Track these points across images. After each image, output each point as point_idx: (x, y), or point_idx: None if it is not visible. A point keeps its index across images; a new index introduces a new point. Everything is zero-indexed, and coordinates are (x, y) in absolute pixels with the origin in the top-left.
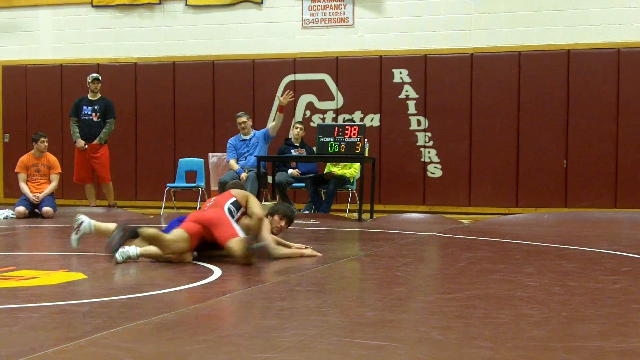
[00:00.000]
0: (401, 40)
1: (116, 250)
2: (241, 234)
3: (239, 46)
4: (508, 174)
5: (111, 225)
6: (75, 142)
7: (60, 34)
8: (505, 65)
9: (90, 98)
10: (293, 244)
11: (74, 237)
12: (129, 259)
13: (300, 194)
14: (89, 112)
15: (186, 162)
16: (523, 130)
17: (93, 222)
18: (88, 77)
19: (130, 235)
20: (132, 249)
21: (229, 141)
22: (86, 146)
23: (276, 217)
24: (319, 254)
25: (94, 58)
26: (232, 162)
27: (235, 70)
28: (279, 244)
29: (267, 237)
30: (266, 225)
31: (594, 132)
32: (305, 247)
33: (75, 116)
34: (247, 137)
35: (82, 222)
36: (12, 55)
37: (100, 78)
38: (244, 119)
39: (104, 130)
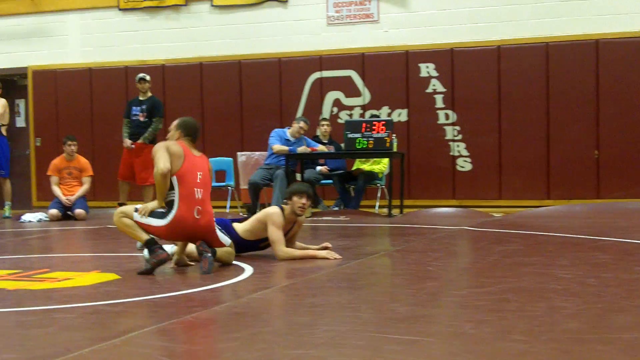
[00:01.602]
0: (427, 34)
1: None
2: (227, 242)
3: (265, 45)
4: (539, 166)
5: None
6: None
7: (88, 38)
8: (533, 56)
9: (140, 98)
10: (312, 246)
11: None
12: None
13: (329, 191)
14: (137, 112)
15: (215, 162)
16: (553, 122)
17: None
18: (136, 78)
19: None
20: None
21: (276, 130)
22: (133, 145)
23: (295, 198)
24: (337, 257)
25: (122, 61)
26: (277, 146)
27: (262, 69)
28: (298, 248)
29: (285, 251)
30: (278, 238)
31: (625, 121)
32: (325, 248)
33: (127, 117)
34: (293, 140)
35: None
36: (42, 60)
37: (146, 78)
38: (306, 128)
39: (149, 129)
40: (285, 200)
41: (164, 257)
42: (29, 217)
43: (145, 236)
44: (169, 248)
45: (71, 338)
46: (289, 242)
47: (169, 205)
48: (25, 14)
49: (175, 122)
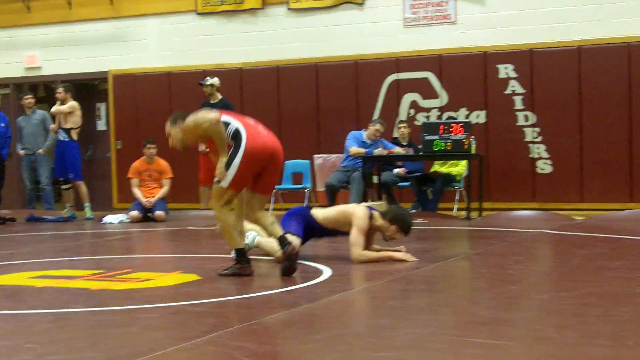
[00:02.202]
0: (505, 35)
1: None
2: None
3: (342, 48)
4: (621, 167)
5: (274, 245)
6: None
7: (166, 42)
8: (615, 56)
9: (211, 102)
10: (388, 248)
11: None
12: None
13: (406, 193)
14: None
15: (292, 164)
16: (636, 122)
17: (258, 237)
18: None
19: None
20: (250, 237)
21: (352, 133)
22: (207, 149)
23: (394, 227)
24: (413, 259)
25: (200, 65)
26: (354, 148)
27: (338, 72)
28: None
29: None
30: (358, 242)
31: None
32: (400, 250)
33: None
34: (370, 142)
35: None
36: (121, 65)
37: (206, 82)
38: (382, 130)
39: None
40: (385, 218)
41: (248, 273)
42: (110, 218)
43: (240, 245)
44: (250, 237)
45: (154, 337)
46: (367, 244)
47: (235, 138)
48: (105, 19)
49: (168, 122)
